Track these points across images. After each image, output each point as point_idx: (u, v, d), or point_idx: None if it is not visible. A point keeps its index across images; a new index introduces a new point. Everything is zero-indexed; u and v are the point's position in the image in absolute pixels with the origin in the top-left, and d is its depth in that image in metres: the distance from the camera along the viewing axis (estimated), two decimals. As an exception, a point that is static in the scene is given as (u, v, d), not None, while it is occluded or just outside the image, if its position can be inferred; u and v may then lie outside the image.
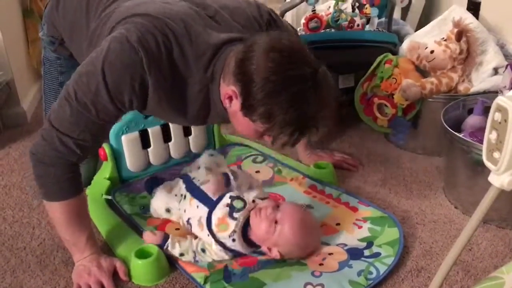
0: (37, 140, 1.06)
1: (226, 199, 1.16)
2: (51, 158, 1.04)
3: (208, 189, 1.20)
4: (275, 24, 1.18)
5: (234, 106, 1.00)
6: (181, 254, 1.14)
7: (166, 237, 1.16)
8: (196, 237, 1.19)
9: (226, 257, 1.13)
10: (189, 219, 1.19)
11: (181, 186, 1.26)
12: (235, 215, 1.13)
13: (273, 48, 0.94)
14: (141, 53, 0.98)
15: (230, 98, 1.00)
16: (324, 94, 0.96)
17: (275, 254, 1.11)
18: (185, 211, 1.21)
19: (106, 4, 1.17)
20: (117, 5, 1.14)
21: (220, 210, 1.14)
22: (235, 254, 1.14)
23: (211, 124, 1.56)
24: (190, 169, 1.34)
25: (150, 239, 1.16)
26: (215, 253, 1.13)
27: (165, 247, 1.14)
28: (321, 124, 1.00)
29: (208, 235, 1.13)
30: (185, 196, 1.22)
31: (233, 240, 1.12)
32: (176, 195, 1.26)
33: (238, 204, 1.15)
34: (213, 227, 1.13)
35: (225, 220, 1.13)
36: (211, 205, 1.16)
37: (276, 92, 0.92)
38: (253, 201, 1.18)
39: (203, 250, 1.14)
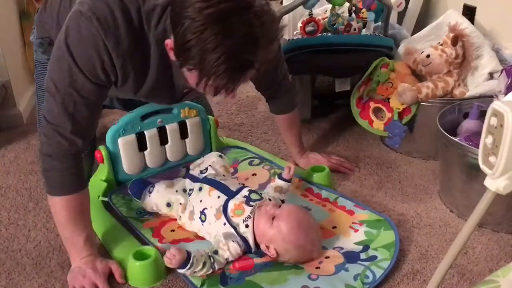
0: (40, 138, 1.11)
1: (245, 191, 1.20)
2: (55, 152, 1.08)
3: (232, 182, 1.26)
4: None
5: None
6: (204, 266, 1.07)
7: (188, 256, 1.07)
8: (196, 235, 1.21)
9: (239, 250, 1.13)
10: (204, 209, 1.20)
11: (188, 182, 1.29)
12: (252, 203, 1.16)
13: None
14: (95, 21, 1.01)
15: (172, 49, 1.01)
16: (259, 29, 0.92)
17: (272, 252, 1.11)
18: (200, 201, 1.21)
19: None
20: None
21: (238, 199, 1.18)
22: (246, 247, 1.14)
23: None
24: (193, 167, 1.38)
25: (173, 259, 1.06)
26: (228, 247, 1.11)
27: (188, 267, 1.06)
28: (259, 63, 0.96)
29: (225, 223, 1.15)
30: (200, 188, 1.24)
31: (246, 226, 1.14)
32: (177, 191, 1.27)
33: (255, 196, 1.19)
34: (229, 212, 1.16)
35: (241, 206, 1.16)
36: (231, 195, 1.20)
37: (202, 30, 0.89)
38: (269, 199, 1.20)
39: (216, 252, 1.11)
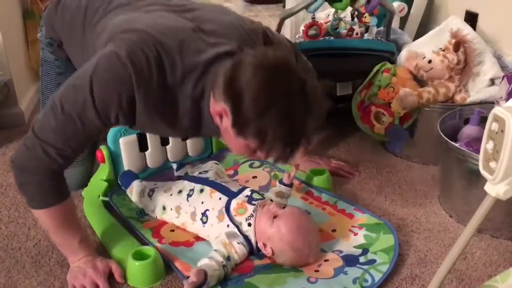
0: (19, 148, 1.06)
1: (247, 191, 1.21)
2: (33, 166, 1.03)
3: (233, 184, 1.27)
4: (269, 42, 1.19)
5: (225, 123, 1.00)
6: (217, 279, 1.07)
7: (205, 277, 1.05)
8: (196, 237, 1.22)
9: (245, 251, 1.13)
10: (206, 211, 1.20)
11: (187, 183, 1.29)
12: (254, 202, 1.18)
13: (260, 65, 0.94)
14: (129, 69, 0.99)
15: (221, 116, 1.00)
16: (313, 105, 0.97)
17: (268, 250, 1.12)
18: (202, 202, 1.22)
19: (101, 14, 1.18)
20: (110, 17, 1.15)
21: (240, 199, 1.19)
22: (249, 247, 1.14)
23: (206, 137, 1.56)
24: (193, 171, 1.38)
25: (193, 284, 1.03)
26: (235, 250, 1.12)
27: (205, 286, 1.05)
28: (311, 135, 1.01)
29: (228, 225, 1.15)
30: (202, 190, 1.24)
31: (249, 224, 1.14)
32: (171, 195, 1.28)
33: (256, 196, 1.20)
34: (231, 210, 1.17)
35: (244, 205, 1.17)
36: (233, 195, 1.21)
37: (265, 110, 0.93)
38: (271, 200, 1.22)
39: (229, 258, 1.10)
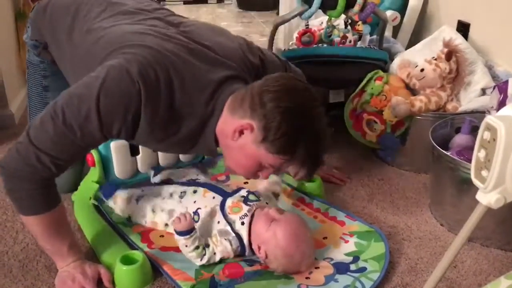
0: (10, 153, 1.03)
1: (243, 192, 1.23)
2: (24, 173, 1.01)
3: (227, 187, 1.28)
4: (263, 64, 1.24)
5: (244, 140, 1.03)
6: (196, 247, 1.11)
7: (193, 228, 1.12)
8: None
9: (229, 249, 1.13)
10: (198, 209, 1.21)
11: (177, 187, 1.30)
12: (249, 203, 1.18)
13: (285, 89, 1.01)
14: (139, 86, 0.98)
15: (241, 132, 1.03)
16: (326, 128, 1.06)
17: (262, 254, 1.12)
18: (194, 202, 1.23)
19: (99, 17, 1.17)
20: (110, 23, 1.14)
21: (235, 198, 1.21)
22: (240, 247, 1.14)
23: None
24: (177, 177, 1.38)
25: (181, 222, 1.11)
26: (219, 243, 1.13)
27: (187, 236, 1.10)
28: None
29: (219, 221, 1.16)
30: (195, 191, 1.26)
31: (242, 223, 1.15)
32: (164, 198, 1.28)
33: (252, 197, 1.21)
34: (226, 208, 1.19)
35: (239, 204, 1.18)
36: (228, 195, 1.23)
37: (302, 128, 1.00)
38: (266, 203, 1.22)
39: (207, 245, 1.13)
